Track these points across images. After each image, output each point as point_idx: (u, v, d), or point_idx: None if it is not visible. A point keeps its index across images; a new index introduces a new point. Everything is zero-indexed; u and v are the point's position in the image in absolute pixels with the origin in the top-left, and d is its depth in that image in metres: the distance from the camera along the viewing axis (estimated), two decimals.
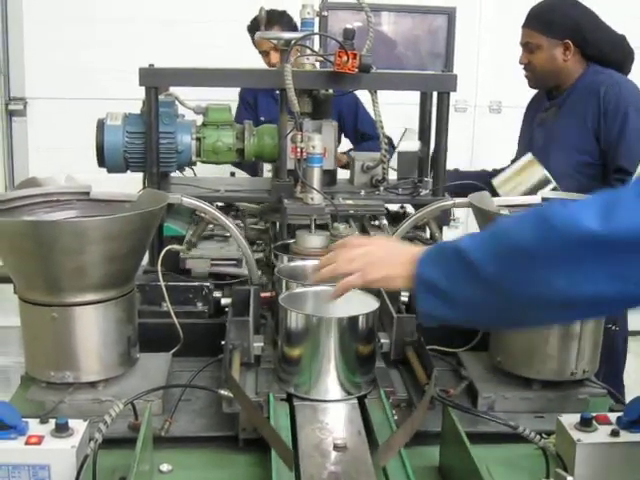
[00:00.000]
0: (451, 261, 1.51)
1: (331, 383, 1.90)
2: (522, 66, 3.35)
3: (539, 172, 2.84)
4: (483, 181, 3.19)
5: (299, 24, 2.71)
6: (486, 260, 1.43)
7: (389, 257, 1.65)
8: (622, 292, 1.31)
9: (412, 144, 2.92)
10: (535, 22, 3.26)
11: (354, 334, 1.91)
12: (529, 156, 2.95)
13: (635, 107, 3.14)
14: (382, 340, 2.14)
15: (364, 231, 2.76)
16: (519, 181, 2.90)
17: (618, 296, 1.32)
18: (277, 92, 3.04)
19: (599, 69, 3.25)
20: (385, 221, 2.74)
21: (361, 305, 1.95)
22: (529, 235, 1.38)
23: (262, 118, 3.89)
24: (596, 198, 1.34)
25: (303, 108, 2.65)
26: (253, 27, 4.20)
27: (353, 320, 1.90)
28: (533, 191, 2.90)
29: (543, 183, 2.87)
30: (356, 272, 1.63)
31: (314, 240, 2.33)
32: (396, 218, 2.85)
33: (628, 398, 1.87)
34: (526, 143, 3.37)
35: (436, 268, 1.55)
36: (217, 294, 2.37)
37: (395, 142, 3.13)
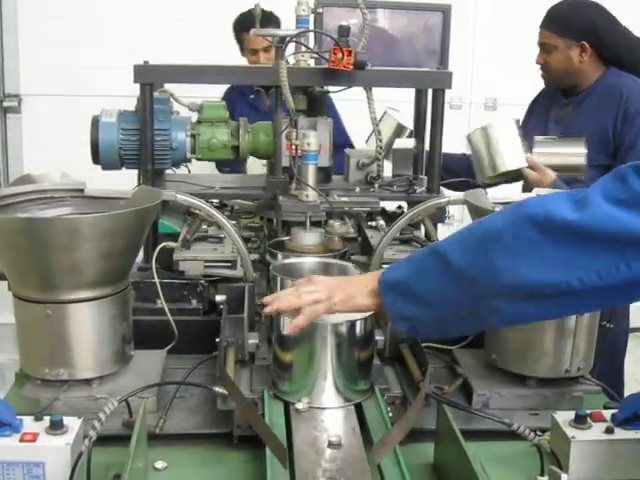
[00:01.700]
0: (418, 259, 1.58)
1: (328, 392, 1.83)
2: (539, 66, 3.33)
3: (579, 158, 2.89)
4: (463, 165, 3.28)
5: (294, 21, 2.70)
6: (456, 250, 1.48)
7: (352, 280, 1.77)
8: (585, 282, 1.33)
9: (407, 141, 2.92)
10: (552, 23, 3.25)
11: (352, 340, 1.83)
12: (581, 139, 2.94)
13: None
14: (377, 337, 2.14)
15: (359, 229, 2.76)
16: (557, 156, 2.95)
17: (580, 286, 1.33)
18: (252, 97, 3.07)
19: (620, 72, 3.24)
20: (382, 221, 2.74)
21: (342, 274, 2.01)
22: (500, 221, 1.43)
23: None
24: (567, 193, 1.39)
25: (298, 105, 2.64)
26: (241, 25, 4.20)
27: (351, 325, 1.81)
28: (561, 172, 2.94)
29: (575, 169, 2.90)
30: (320, 300, 1.68)
31: (309, 237, 2.33)
32: (392, 217, 2.85)
33: (626, 394, 1.87)
34: (539, 134, 3.34)
35: (400, 270, 1.61)
36: (212, 291, 2.36)
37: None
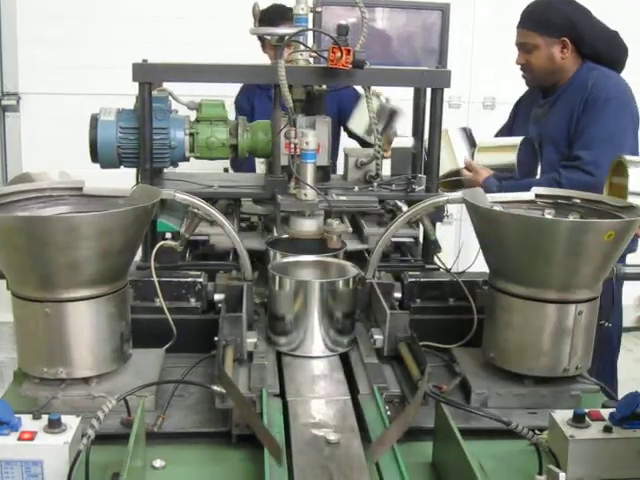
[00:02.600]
0: None
1: (316, 340, 2.13)
2: (519, 66, 3.33)
3: (511, 157, 2.93)
4: None
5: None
6: None
7: None
8: None
9: (406, 140, 2.92)
10: (530, 22, 3.26)
11: (335, 296, 2.13)
12: (517, 139, 3.00)
13: (618, 100, 3.14)
14: (375, 336, 2.15)
15: (358, 227, 2.76)
16: (494, 156, 2.99)
17: None
18: (272, 90, 3.03)
19: (593, 66, 3.26)
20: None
21: (341, 272, 2.22)
22: None
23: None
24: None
25: (297, 95, 2.65)
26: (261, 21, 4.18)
27: (333, 284, 2.14)
28: (497, 170, 3.00)
29: (508, 168, 2.96)
30: None
31: (308, 223, 2.35)
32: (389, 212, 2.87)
33: (620, 393, 1.88)
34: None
35: None
36: (210, 289, 2.36)
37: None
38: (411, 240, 2.78)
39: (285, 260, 2.27)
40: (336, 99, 3.86)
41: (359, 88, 3.08)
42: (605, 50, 3.26)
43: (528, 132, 3.34)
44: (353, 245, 2.60)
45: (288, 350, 2.14)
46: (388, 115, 3.08)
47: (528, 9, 3.30)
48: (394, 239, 2.65)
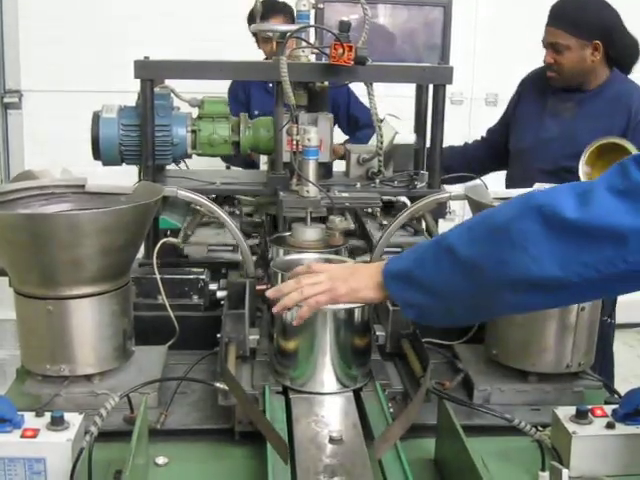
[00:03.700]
0: (423, 249, 1.58)
1: (327, 376, 1.92)
2: (545, 64, 3.25)
3: None
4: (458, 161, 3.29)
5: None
6: (463, 241, 1.49)
7: (355, 273, 1.71)
8: (584, 277, 1.34)
9: (408, 137, 2.91)
10: (564, 22, 3.14)
11: (350, 326, 1.93)
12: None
13: None
14: (378, 333, 2.14)
15: (360, 224, 2.76)
16: None
17: (580, 280, 1.35)
18: (270, 85, 3.02)
19: (623, 77, 3.20)
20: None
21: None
22: (508, 212, 1.44)
23: (256, 112, 3.88)
24: (573, 186, 1.40)
25: (299, 101, 2.64)
26: (251, 18, 4.19)
27: (349, 312, 1.91)
28: None
29: None
30: (322, 291, 1.68)
31: (310, 232, 2.33)
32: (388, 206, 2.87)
33: (623, 389, 1.87)
34: (534, 125, 3.30)
35: (405, 260, 1.61)
36: (213, 287, 2.36)
37: None
38: None
39: (288, 257, 2.27)
40: (335, 95, 3.86)
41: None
42: (628, 56, 3.21)
43: (539, 120, 3.28)
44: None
45: None
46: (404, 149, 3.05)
47: (561, 8, 3.18)
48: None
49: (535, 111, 3.34)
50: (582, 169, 2.73)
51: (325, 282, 1.69)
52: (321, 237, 2.34)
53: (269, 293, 1.78)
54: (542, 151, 3.20)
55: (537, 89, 3.39)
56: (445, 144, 2.77)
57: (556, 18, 3.17)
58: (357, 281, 1.67)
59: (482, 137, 3.59)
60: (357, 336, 1.94)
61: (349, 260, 2.19)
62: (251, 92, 4.30)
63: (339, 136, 4.15)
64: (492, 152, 3.50)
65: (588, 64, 3.15)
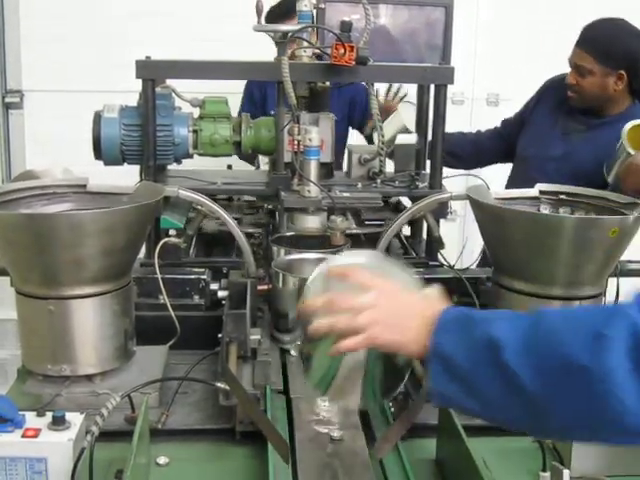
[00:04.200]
0: (479, 345, 1.27)
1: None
2: (568, 85, 3.22)
3: None
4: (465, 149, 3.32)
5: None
6: (529, 372, 1.20)
7: (400, 316, 1.38)
8: None
9: (409, 137, 2.91)
10: (591, 47, 3.10)
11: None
12: None
13: None
14: None
15: (361, 224, 2.76)
16: None
17: None
18: None
19: None
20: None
21: None
22: (582, 350, 1.17)
23: (272, 112, 3.86)
24: None
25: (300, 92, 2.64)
26: (270, 17, 4.17)
27: None
28: None
29: None
30: (361, 331, 1.36)
31: (312, 221, 2.34)
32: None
33: None
34: (542, 138, 3.28)
35: (457, 344, 1.30)
36: (214, 287, 2.36)
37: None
38: None
39: (289, 257, 2.27)
40: (348, 96, 3.85)
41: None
42: None
43: (549, 129, 3.26)
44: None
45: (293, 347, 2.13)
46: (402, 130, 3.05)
47: (592, 32, 3.14)
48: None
49: (547, 123, 3.32)
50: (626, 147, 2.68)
51: (365, 316, 1.37)
52: (321, 224, 2.36)
53: (302, 307, 1.48)
54: (542, 165, 3.18)
55: (556, 100, 3.34)
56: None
57: (585, 41, 3.13)
58: (404, 332, 1.36)
59: (495, 127, 3.57)
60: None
61: (400, 270, 1.65)
62: (267, 91, 4.27)
63: (356, 136, 4.14)
64: (504, 144, 3.48)
65: (610, 92, 3.12)
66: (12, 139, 5.36)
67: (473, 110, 5.55)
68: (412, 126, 3.00)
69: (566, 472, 1.55)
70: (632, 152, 2.67)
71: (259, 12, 2.74)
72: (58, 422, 1.59)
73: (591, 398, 1.15)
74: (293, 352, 2.05)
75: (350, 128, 4.10)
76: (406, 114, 3.02)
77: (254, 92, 4.27)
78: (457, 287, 2.36)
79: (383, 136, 2.73)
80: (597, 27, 3.15)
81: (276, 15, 4.00)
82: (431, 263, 2.62)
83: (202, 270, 2.38)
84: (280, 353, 2.13)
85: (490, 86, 5.53)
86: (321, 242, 2.42)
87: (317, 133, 2.42)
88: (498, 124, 3.59)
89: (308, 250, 2.32)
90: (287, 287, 2.14)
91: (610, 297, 2.23)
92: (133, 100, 2.68)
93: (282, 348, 2.14)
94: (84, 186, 2.12)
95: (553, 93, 3.39)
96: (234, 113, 2.81)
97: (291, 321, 2.13)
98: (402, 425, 1.66)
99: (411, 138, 2.89)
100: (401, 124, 3.02)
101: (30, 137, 5.32)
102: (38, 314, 1.89)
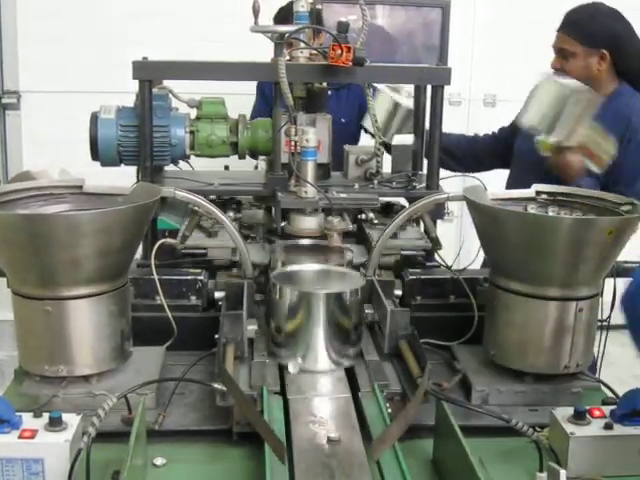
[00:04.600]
0: None
1: (321, 354, 2.03)
2: (553, 70, 3.24)
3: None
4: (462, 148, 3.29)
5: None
6: None
7: None
8: None
9: (406, 138, 2.91)
10: (573, 29, 3.13)
11: (341, 308, 2.04)
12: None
13: None
14: (367, 310, 2.19)
15: (358, 224, 2.76)
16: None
17: None
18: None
19: (631, 91, 3.16)
20: (372, 214, 2.73)
21: (347, 282, 2.12)
22: None
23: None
24: None
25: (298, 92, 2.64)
26: (278, 18, 4.16)
27: (340, 295, 2.04)
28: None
29: None
30: None
31: (308, 221, 2.34)
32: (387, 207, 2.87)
33: (621, 390, 1.87)
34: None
35: None
36: (211, 288, 2.36)
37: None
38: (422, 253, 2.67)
39: (288, 269, 2.25)
40: (358, 97, 3.85)
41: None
42: (637, 69, 3.19)
43: None
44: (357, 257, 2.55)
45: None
46: (405, 114, 3.03)
47: (572, 15, 3.17)
48: (405, 252, 2.61)
49: None
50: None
51: None
52: (318, 225, 2.36)
53: None
54: (537, 165, 3.18)
55: None
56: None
57: (566, 24, 3.17)
58: None
59: (493, 132, 3.59)
60: (348, 317, 2.05)
61: (350, 272, 2.21)
62: None
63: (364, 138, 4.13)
64: (500, 146, 3.49)
65: (594, 73, 3.13)
66: (9, 140, 5.36)
67: (470, 111, 5.56)
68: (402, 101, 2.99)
69: (562, 472, 1.55)
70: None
71: (256, 13, 2.75)
72: (55, 423, 1.59)
73: None
74: (291, 369, 2.01)
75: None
76: (390, 93, 2.98)
77: (266, 90, 4.26)
78: (454, 288, 2.37)
79: (380, 137, 2.73)
80: (578, 10, 3.19)
81: (277, 21, 4.01)
82: (428, 264, 2.62)
83: (199, 271, 2.38)
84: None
85: (487, 87, 5.53)
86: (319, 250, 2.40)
87: (314, 134, 2.42)
88: (495, 129, 3.60)
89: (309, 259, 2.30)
90: (285, 301, 2.10)
91: (607, 298, 2.23)
92: (130, 101, 2.68)
93: (280, 364, 2.07)
94: (81, 187, 2.12)
95: None
96: (232, 114, 2.81)
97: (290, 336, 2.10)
98: (399, 426, 1.66)
99: (408, 139, 2.89)
100: (390, 99, 2.98)
101: (27, 138, 5.32)
102: (35, 315, 1.89)
